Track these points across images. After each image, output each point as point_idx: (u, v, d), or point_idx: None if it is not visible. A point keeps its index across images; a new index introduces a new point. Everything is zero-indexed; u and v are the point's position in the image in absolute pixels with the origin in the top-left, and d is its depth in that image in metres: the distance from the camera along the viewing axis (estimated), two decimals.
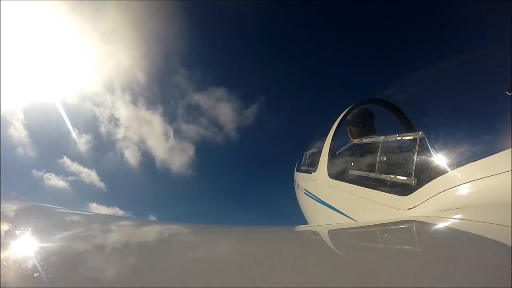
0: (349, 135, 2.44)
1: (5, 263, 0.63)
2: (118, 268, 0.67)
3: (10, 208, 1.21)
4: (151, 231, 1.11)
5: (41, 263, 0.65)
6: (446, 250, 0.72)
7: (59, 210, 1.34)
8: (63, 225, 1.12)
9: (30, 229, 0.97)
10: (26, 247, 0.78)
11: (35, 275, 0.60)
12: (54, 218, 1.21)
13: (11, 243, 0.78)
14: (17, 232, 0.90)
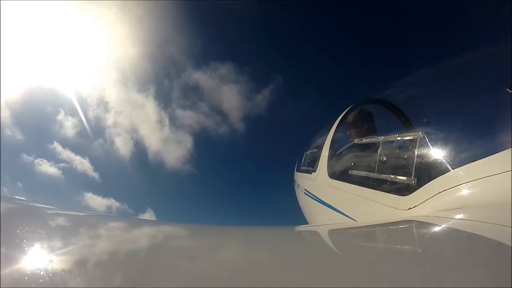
0: (349, 135, 2.44)
1: (5, 264, 0.63)
2: (116, 269, 0.67)
3: (9, 208, 1.21)
4: (150, 232, 1.11)
5: (41, 264, 0.65)
6: (446, 250, 0.72)
7: (58, 211, 1.34)
8: (62, 226, 1.12)
9: (29, 230, 0.97)
10: (25, 248, 0.78)
11: (35, 275, 0.60)
12: (53, 219, 1.21)
13: (10, 244, 0.78)
14: (16, 233, 0.90)
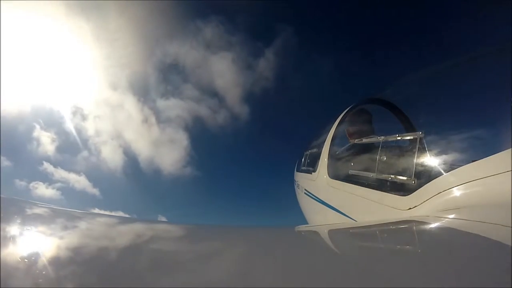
0: (349, 135, 2.44)
1: (6, 263, 0.63)
2: (117, 268, 0.67)
3: (9, 208, 1.21)
4: (152, 231, 1.11)
5: (41, 263, 0.65)
6: (446, 250, 0.72)
7: (58, 211, 1.34)
8: (62, 225, 1.12)
9: (30, 228, 0.97)
10: (26, 247, 0.78)
11: (35, 275, 0.60)
12: (53, 218, 1.21)
13: (11, 243, 0.78)
14: (17, 231, 0.90)
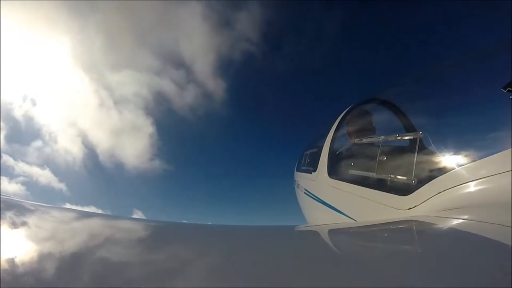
0: (348, 135, 2.44)
1: (5, 263, 0.63)
2: (116, 267, 0.67)
3: (9, 208, 1.20)
4: (151, 231, 1.11)
5: (40, 263, 0.65)
6: (446, 250, 0.72)
7: (58, 210, 1.34)
8: (62, 225, 1.12)
9: (29, 228, 0.97)
10: (25, 247, 0.78)
11: (35, 275, 0.60)
12: (53, 218, 1.21)
13: (10, 243, 0.78)
14: (17, 232, 0.89)
